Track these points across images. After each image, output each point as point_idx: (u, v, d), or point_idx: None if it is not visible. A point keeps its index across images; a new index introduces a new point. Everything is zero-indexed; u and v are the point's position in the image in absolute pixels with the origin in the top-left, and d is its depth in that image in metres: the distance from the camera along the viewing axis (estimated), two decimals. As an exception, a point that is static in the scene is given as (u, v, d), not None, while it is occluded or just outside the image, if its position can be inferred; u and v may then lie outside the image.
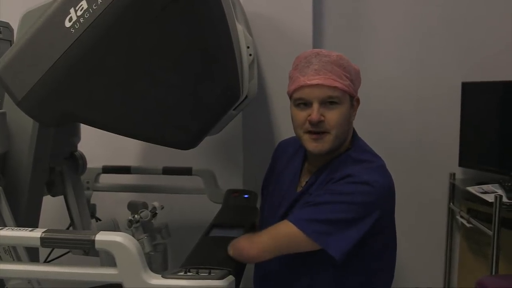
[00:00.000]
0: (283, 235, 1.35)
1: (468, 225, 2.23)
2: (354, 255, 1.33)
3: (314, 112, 1.37)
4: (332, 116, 1.38)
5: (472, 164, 2.35)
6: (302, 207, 1.39)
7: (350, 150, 1.46)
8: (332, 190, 1.35)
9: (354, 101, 1.43)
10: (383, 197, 1.37)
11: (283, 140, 1.72)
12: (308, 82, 1.38)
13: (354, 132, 1.52)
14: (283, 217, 1.43)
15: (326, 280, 1.42)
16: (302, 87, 1.40)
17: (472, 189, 2.14)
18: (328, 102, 1.38)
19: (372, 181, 1.34)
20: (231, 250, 1.36)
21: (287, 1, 2.11)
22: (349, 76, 1.40)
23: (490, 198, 1.98)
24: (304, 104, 1.41)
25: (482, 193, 2.08)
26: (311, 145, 1.41)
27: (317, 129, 1.39)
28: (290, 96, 1.46)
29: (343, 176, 1.36)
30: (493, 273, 1.94)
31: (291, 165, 1.59)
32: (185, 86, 1.17)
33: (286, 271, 1.46)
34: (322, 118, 1.38)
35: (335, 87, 1.37)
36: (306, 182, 1.50)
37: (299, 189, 1.52)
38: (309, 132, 1.41)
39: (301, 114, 1.41)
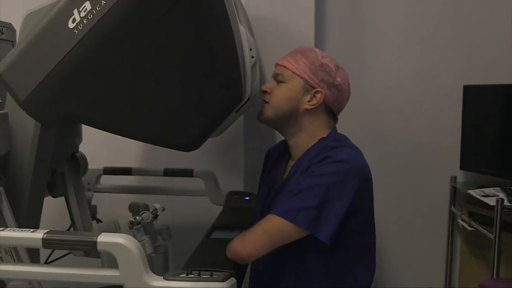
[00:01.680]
0: (274, 229, 1.37)
1: (469, 228, 2.22)
2: (338, 235, 1.37)
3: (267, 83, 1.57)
4: (275, 90, 1.53)
5: (474, 167, 2.34)
6: (286, 196, 1.42)
7: (326, 140, 1.51)
8: (312, 172, 1.42)
9: (312, 91, 1.49)
10: (359, 173, 1.42)
11: (271, 147, 1.79)
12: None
13: (334, 129, 1.57)
14: (269, 207, 1.47)
15: (315, 265, 1.46)
16: None
17: (474, 193, 2.14)
18: (277, 80, 1.53)
19: (348, 159, 1.42)
20: (228, 253, 1.38)
21: (289, 3, 2.11)
22: (309, 65, 1.49)
23: (491, 201, 1.97)
24: None
25: (483, 196, 2.08)
26: None
27: (264, 98, 1.56)
28: None
29: (321, 159, 1.43)
30: (494, 277, 1.93)
31: (277, 166, 1.64)
32: (188, 87, 1.16)
33: (276, 261, 1.49)
34: (269, 90, 1.54)
35: (283, 66, 1.52)
36: (288, 173, 1.55)
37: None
38: None
39: None
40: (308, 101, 1.49)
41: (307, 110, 1.50)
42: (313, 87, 1.49)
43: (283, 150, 1.64)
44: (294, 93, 1.50)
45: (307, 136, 1.52)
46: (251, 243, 1.37)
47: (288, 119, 1.52)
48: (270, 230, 1.37)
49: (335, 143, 1.50)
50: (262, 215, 1.45)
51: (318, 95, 1.49)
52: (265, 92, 1.55)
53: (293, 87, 1.50)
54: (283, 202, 1.41)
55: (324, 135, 1.52)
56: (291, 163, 1.57)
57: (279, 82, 1.52)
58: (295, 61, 1.50)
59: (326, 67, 1.49)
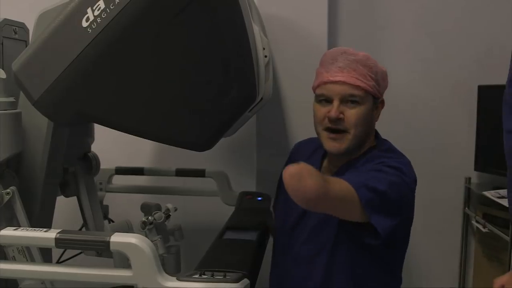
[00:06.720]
0: (342, 187, 1.21)
1: (484, 230, 2.20)
2: (369, 247, 1.32)
3: (334, 108, 1.37)
4: (352, 115, 1.38)
5: (488, 168, 2.31)
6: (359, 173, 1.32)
7: (375, 150, 1.44)
8: (383, 162, 1.32)
9: (378, 102, 1.42)
10: (413, 189, 1.38)
11: (301, 141, 1.73)
12: (331, 79, 1.39)
13: (378, 134, 1.51)
14: (302, 214, 1.41)
15: (342, 270, 1.41)
16: (325, 83, 1.41)
17: (489, 194, 2.11)
18: (349, 101, 1.39)
19: (405, 171, 1.34)
20: (287, 177, 1.12)
21: (302, 2, 2.10)
22: (374, 77, 1.40)
23: (507, 202, 1.94)
24: (325, 100, 1.41)
25: (499, 197, 2.05)
26: (329, 144, 1.41)
27: (335, 126, 1.39)
28: (314, 92, 1.47)
29: (377, 163, 1.35)
30: (510, 279, 1.90)
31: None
32: (202, 87, 1.16)
33: (303, 264, 1.46)
34: (341, 115, 1.38)
35: (357, 86, 1.37)
36: None
37: None
38: (328, 129, 1.40)
39: (322, 110, 1.41)
40: (376, 114, 1.43)
41: (373, 123, 1.44)
42: (378, 98, 1.42)
43: (316, 148, 1.55)
44: (370, 113, 1.40)
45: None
46: (317, 184, 1.12)
47: (363, 142, 1.43)
48: (338, 184, 1.21)
49: (385, 154, 1.41)
50: (286, 215, 1.39)
51: (380, 105, 1.43)
52: (337, 119, 1.37)
53: (368, 106, 1.39)
54: (349, 175, 1.30)
55: (373, 143, 1.46)
56: (330, 168, 1.48)
57: (352, 102, 1.38)
58: (364, 77, 1.37)
59: (384, 74, 1.42)
